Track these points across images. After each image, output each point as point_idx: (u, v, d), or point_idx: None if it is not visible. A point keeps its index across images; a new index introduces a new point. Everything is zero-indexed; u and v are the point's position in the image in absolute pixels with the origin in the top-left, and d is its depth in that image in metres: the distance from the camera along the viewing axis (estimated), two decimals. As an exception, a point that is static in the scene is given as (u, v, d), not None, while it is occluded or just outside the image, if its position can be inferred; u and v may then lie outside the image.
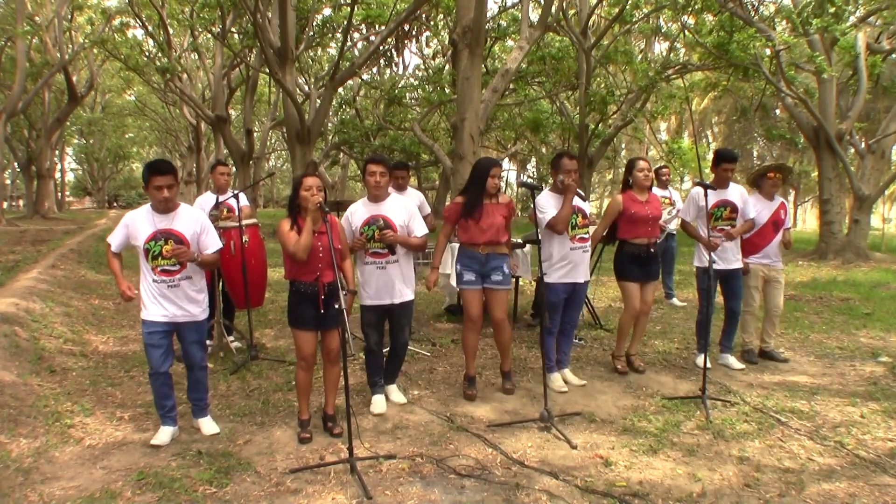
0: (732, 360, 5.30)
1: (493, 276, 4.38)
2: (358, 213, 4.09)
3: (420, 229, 4.14)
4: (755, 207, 5.24)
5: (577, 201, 4.55)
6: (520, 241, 6.12)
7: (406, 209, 4.13)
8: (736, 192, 5.11)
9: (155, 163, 3.57)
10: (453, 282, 6.18)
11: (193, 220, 3.67)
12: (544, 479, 3.29)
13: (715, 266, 4.85)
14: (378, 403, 4.23)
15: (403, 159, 17.37)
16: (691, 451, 3.65)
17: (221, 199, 5.51)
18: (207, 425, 3.83)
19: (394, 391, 4.42)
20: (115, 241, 3.69)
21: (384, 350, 4.40)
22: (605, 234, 5.05)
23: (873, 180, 13.79)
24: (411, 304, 4.22)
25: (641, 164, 4.95)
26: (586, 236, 4.58)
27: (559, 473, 3.35)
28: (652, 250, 4.91)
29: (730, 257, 5.09)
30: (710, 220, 4.93)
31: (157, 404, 3.72)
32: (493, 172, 4.32)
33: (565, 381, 4.76)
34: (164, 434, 3.67)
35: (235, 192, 5.51)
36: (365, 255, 4.07)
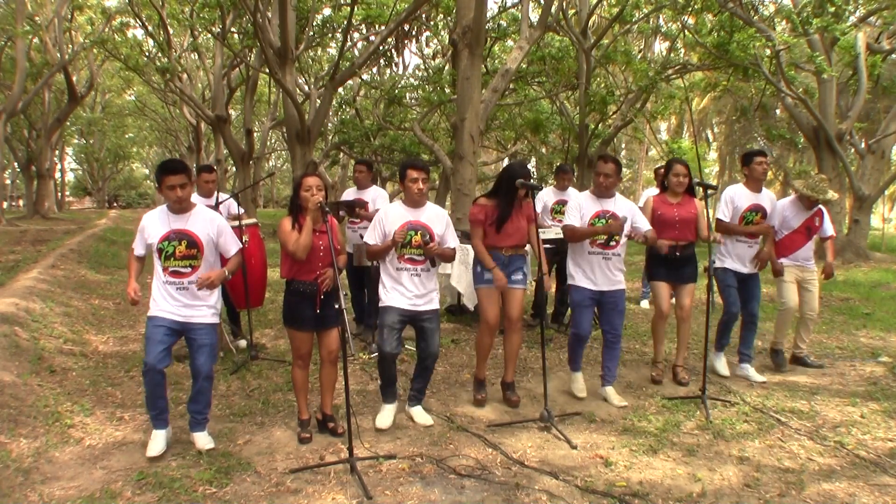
0: (752, 372, 5.07)
1: (514, 275, 4.30)
2: (395, 215, 3.93)
3: (453, 240, 4.06)
4: (789, 212, 5.15)
5: (614, 205, 4.37)
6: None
7: (442, 219, 4.03)
8: (767, 198, 5.08)
9: (167, 162, 3.54)
10: (454, 282, 6.19)
11: (208, 222, 3.60)
12: (544, 479, 3.29)
13: (733, 268, 4.89)
14: (385, 418, 3.98)
15: (403, 159, 17.37)
16: (691, 451, 3.65)
17: (221, 200, 5.50)
18: (202, 439, 3.62)
19: (419, 413, 4.10)
20: (137, 245, 3.61)
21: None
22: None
23: (873, 180, 13.80)
24: (437, 312, 4.06)
25: (678, 168, 4.84)
26: (612, 243, 4.32)
27: (559, 473, 3.35)
28: (678, 253, 4.78)
29: (746, 261, 5.03)
30: (741, 223, 4.99)
31: (150, 404, 3.51)
32: (518, 184, 4.13)
33: (605, 400, 4.48)
34: (158, 440, 3.51)
35: (233, 192, 5.50)
36: (399, 261, 3.91)
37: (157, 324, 3.48)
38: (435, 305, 4.02)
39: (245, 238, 5.25)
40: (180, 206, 3.53)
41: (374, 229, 3.95)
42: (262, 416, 4.14)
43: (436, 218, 4.01)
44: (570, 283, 4.46)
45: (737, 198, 5.00)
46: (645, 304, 7.98)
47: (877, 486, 3.26)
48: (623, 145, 30.95)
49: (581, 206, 4.38)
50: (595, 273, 4.34)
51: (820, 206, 5.22)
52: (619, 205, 4.40)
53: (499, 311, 4.33)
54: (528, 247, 4.68)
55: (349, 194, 6.05)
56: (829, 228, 5.28)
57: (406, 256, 3.92)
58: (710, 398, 4.43)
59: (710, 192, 4.59)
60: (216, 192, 5.52)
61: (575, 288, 4.42)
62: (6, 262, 9.74)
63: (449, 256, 4.06)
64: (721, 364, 5.17)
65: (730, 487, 3.24)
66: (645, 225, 4.42)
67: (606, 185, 4.34)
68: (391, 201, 5.24)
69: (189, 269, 3.52)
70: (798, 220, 5.15)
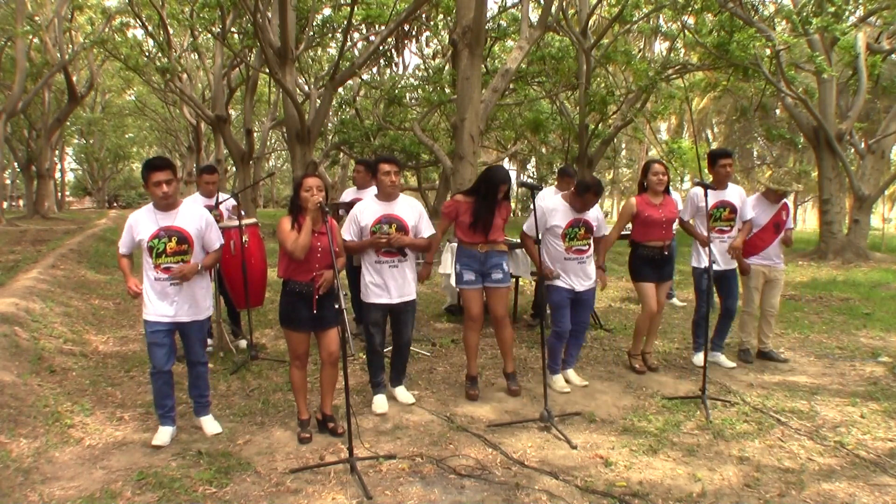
0: (723, 359, 5.33)
1: (493, 274, 4.42)
2: (368, 210, 4.09)
3: (427, 230, 4.22)
4: (757, 209, 5.24)
5: (586, 214, 4.57)
6: (518, 240, 6.13)
7: (415, 210, 4.21)
8: (735, 193, 5.15)
9: (152, 160, 3.61)
10: (454, 282, 6.19)
11: (197, 217, 3.70)
12: (544, 479, 3.29)
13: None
14: (380, 403, 4.23)
15: (403, 159, 17.42)
16: (691, 451, 3.65)
17: (221, 200, 5.50)
18: (209, 424, 3.82)
19: (401, 392, 4.41)
20: (123, 244, 3.67)
21: (386, 349, 4.42)
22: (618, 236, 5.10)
23: (873, 180, 13.79)
24: (415, 302, 4.27)
25: (656, 167, 4.95)
26: (585, 248, 4.57)
27: (559, 473, 3.35)
28: (665, 252, 4.94)
29: (725, 258, 5.11)
30: (709, 220, 4.97)
31: (157, 404, 3.71)
32: (501, 189, 4.36)
33: (567, 381, 4.78)
34: (165, 434, 3.66)
35: (233, 192, 5.50)
36: (376, 254, 4.08)
37: (156, 328, 3.59)
38: (413, 296, 4.22)
39: (245, 238, 5.25)
40: (166, 203, 3.58)
41: (350, 225, 4.08)
42: (262, 416, 4.14)
43: (408, 209, 4.18)
44: (549, 284, 4.57)
45: (699, 198, 5.01)
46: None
47: (877, 486, 3.26)
48: (623, 145, 30.96)
49: (555, 216, 4.52)
50: (572, 276, 4.55)
51: (785, 200, 5.33)
52: (590, 213, 4.61)
53: (482, 309, 4.50)
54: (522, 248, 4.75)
55: (349, 194, 6.04)
56: (790, 221, 5.40)
57: (383, 250, 4.07)
58: (710, 398, 4.43)
59: (710, 191, 4.65)
60: (217, 192, 5.53)
61: (554, 289, 4.57)
62: (6, 262, 9.74)
63: (422, 247, 4.21)
64: (697, 359, 5.29)
65: (730, 487, 3.24)
66: (603, 231, 4.70)
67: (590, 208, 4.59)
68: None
69: (180, 265, 3.61)
70: (766, 216, 5.23)
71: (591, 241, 4.63)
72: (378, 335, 4.18)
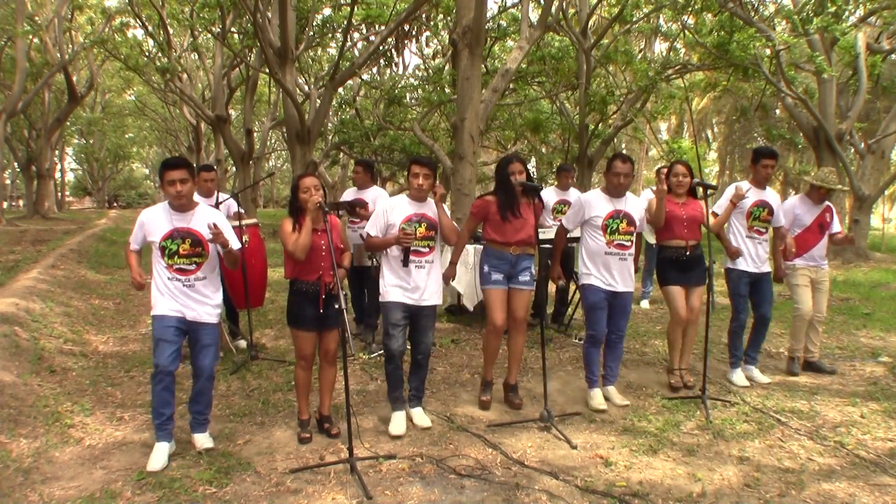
0: (757, 373, 5.02)
1: (521, 276, 4.25)
2: (399, 208, 3.94)
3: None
4: (800, 209, 5.12)
5: (626, 204, 4.32)
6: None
7: (438, 213, 4.09)
8: (772, 195, 5.02)
9: (168, 159, 3.53)
10: (453, 282, 6.18)
11: (211, 220, 3.58)
12: (544, 479, 3.29)
13: (746, 269, 4.83)
14: (398, 424, 3.92)
15: (403, 159, 17.44)
16: (691, 451, 3.65)
17: (221, 199, 5.50)
18: (202, 439, 3.60)
19: (419, 414, 4.06)
20: (134, 240, 3.58)
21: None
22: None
23: (873, 180, 13.81)
24: (436, 309, 4.08)
25: (678, 168, 4.78)
26: (627, 243, 4.28)
27: (559, 473, 3.35)
28: (688, 253, 4.70)
29: (761, 258, 4.91)
30: (748, 218, 4.89)
31: (156, 412, 3.45)
32: (511, 169, 4.19)
33: (607, 399, 4.44)
34: (161, 454, 3.38)
35: (233, 192, 5.50)
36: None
37: (166, 324, 3.44)
38: (437, 301, 4.02)
39: (245, 238, 5.25)
40: (180, 203, 3.49)
41: (377, 220, 3.96)
42: (262, 416, 4.14)
43: (434, 210, 4.05)
44: (585, 283, 4.37)
45: (736, 195, 4.93)
46: (645, 304, 7.98)
47: (877, 486, 3.26)
48: (623, 145, 30.92)
49: (593, 207, 4.30)
50: (612, 273, 4.28)
51: (829, 203, 5.20)
52: (630, 204, 4.36)
53: (506, 314, 4.26)
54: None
55: (349, 194, 6.04)
56: (837, 226, 5.27)
57: (413, 248, 3.90)
58: (710, 398, 4.43)
59: (710, 192, 4.58)
60: (216, 192, 5.52)
61: (591, 289, 4.33)
62: (6, 262, 9.73)
63: (451, 229, 4.03)
64: (738, 377, 4.94)
65: (730, 487, 3.24)
66: (643, 227, 4.43)
67: (625, 185, 4.30)
68: None
69: (194, 267, 3.51)
70: (810, 216, 5.11)
71: (634, 239, 4.32)
72: (398, 337, 3.88)
